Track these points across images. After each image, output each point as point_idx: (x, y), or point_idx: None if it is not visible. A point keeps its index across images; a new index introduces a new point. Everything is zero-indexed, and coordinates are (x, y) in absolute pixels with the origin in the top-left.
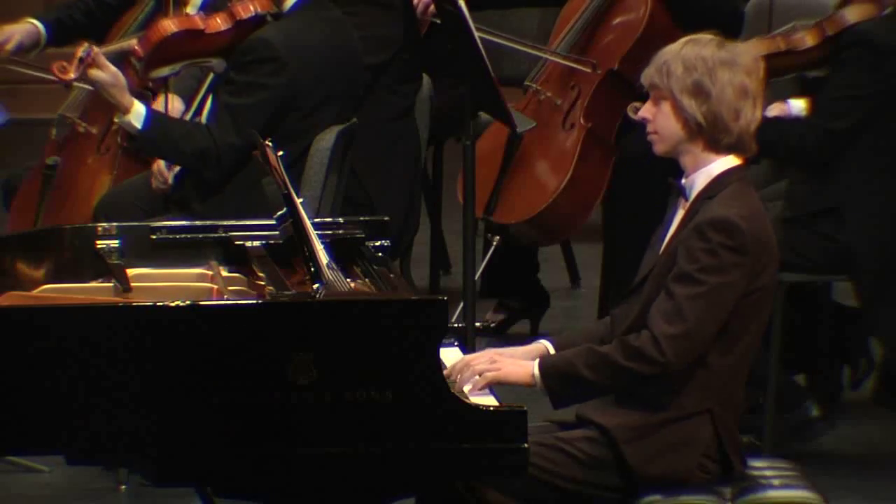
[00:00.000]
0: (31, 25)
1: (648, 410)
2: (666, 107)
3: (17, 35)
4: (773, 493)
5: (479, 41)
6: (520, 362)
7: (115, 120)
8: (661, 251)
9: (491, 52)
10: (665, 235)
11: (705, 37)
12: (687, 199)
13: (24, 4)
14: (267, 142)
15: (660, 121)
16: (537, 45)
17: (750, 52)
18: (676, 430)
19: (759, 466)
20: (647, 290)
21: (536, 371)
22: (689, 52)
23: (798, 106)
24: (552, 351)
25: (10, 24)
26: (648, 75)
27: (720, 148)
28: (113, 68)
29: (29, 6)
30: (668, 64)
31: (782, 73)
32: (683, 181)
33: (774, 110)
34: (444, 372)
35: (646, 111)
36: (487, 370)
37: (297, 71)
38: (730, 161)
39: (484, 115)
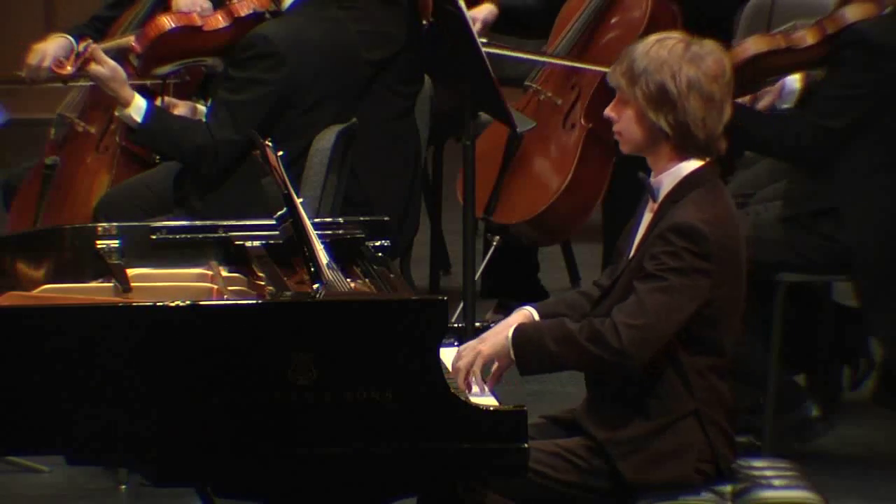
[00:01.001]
0: (63, 39)
1: (637, 419)
2: (630, 111)
3: (51, 52)
4: (773, 493)
5: (478, 41)
6: (497, 331)
7: (116, 113)
8: (630, 255)
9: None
10: (634, 237)
11: (671, 38)
12: (655, 201)
13: (25, 5)
14: (267, 141)
15: (624, 123)
16: (544, 53)
17: (715, 53)
18: (668, 439)
19: (759, 466)
20: (616, 294)
21: (510, 334)
22: (654, 56)
23: (792, 79)
24: (536, 317)
25: (41, 41)
26: (615, 76)
27: (686, 152)
28: (112, 63)
29: (29, 7)
30: (633, 69)
31: (782, 71)
32: (652, 180)
33: (768, 95)
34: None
35: (611, 110)
36: (469, 362)
37: (295, 67)
38: (695, 161)
39: (484, 115)
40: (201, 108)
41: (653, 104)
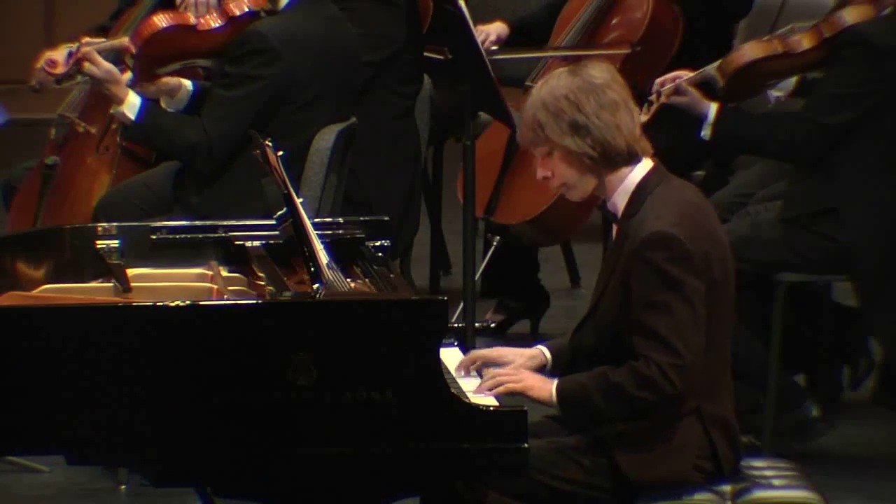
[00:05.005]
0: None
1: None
2: (557, 157)
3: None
4: (773, 493)
5: (478, 41)
6: (542, 378)
7: (111, 111)
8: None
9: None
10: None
11: (555, 73)
12: (617, 222)
13: (25, 6)
14: (267, 141)
15: (560, 172)
16: (547, 47)
17: (599, 65)
18: (668, 436)
19: (759, 466)
20: (599, 315)
21: (554, 396)
22: (547, 97)
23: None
24: (548, 355)
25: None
26: (525, 138)
27: (619, 165)
28: (106, 64)
29: (29, 8)
30: (536, 117)
31: (780, 75)
32: (609, 205)
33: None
34: (459, 362)
35: (542, 170)
36: (511, 381)
37: (290, 62)
38: (640, 170)
39: (484, 115)
40: (186, 82)
41: (569, 136)
